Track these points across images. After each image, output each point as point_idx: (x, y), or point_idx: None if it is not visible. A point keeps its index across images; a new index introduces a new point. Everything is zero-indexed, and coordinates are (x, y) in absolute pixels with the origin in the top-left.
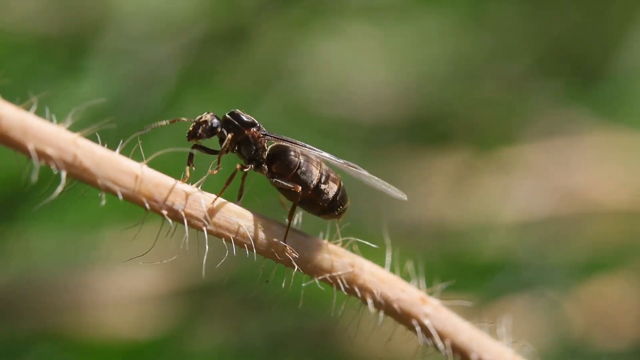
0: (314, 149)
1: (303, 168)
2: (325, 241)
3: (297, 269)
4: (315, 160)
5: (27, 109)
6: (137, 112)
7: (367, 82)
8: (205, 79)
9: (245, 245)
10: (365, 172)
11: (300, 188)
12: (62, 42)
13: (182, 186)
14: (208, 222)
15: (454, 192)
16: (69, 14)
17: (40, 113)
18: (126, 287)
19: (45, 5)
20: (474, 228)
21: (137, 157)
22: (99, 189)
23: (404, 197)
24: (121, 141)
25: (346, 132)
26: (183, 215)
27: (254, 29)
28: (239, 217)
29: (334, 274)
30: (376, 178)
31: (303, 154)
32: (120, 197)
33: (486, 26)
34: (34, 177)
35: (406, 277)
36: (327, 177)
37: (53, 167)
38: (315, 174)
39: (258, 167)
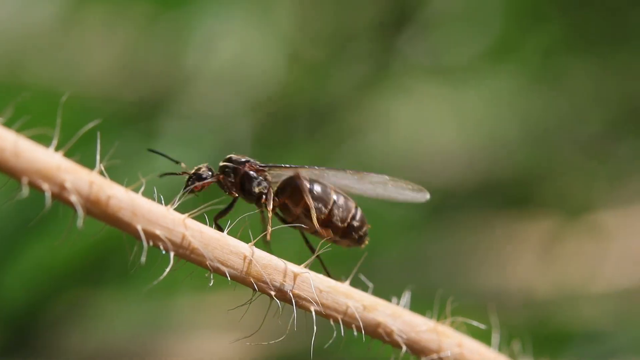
0: (317, 168)
1: (315, 193)
2: (432, 321)
3: (406, 349)
4: (326, 183)
5: (136, 189)
6: None
7: (436, 143)
8: (278, 142)
9: (353, 325)
10: (378, 176)
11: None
12: (139, 106)
13: (291, 267)
14: (317, 303)
15: (535, 259)
16: (145, 80)
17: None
18: (212, 354)
19: (120, 69)
20: (560, 296)
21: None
22: (207, 270)
23: (426, 195)
24: (229, 221)
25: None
26: (291, 296)
27: (325, 90)
28: (347, 298)
29: (442, 354)
30: (391, 178)
31: (312, 179)
32: (229, 277)
33: (557, 86)
34: (143, 259)
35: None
36: (342, 197)
37: (161, 247)
38: (328, 196)
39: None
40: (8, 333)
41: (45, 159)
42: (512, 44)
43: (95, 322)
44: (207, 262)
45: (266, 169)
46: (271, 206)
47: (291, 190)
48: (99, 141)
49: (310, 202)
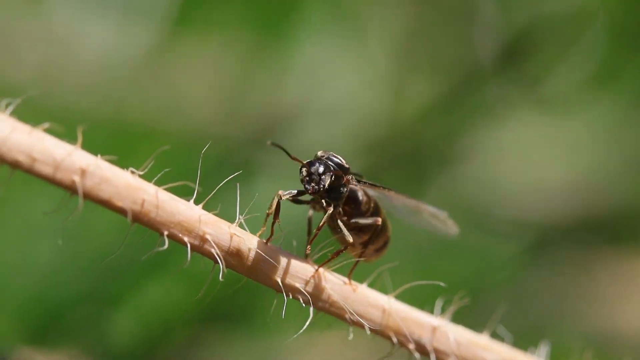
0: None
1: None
2: None
3: None
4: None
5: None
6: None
7: (537, 175)
8: (381, 173)
9: None
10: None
11: (380, 221)
12: (244, 144)
13: (429, 319)
14: (456, 356)
15: None
16: (250, 117)
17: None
18: None
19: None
20: None
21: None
22: (346, 323)
23: (456, 230)
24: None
25: (512, 230)
26: (431, 349)
27: (427, 121)
28: (486, 350)
29: None
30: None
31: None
32: (368, 332)
33: None
34: (283, 313)
35: None
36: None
37: (302, 300)
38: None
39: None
40: None
41: (187, 212)
42: (613, 72)
43: None
44: (347, 316)
45: (360, 183)
46: (336, 218)
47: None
48: (238, 193)
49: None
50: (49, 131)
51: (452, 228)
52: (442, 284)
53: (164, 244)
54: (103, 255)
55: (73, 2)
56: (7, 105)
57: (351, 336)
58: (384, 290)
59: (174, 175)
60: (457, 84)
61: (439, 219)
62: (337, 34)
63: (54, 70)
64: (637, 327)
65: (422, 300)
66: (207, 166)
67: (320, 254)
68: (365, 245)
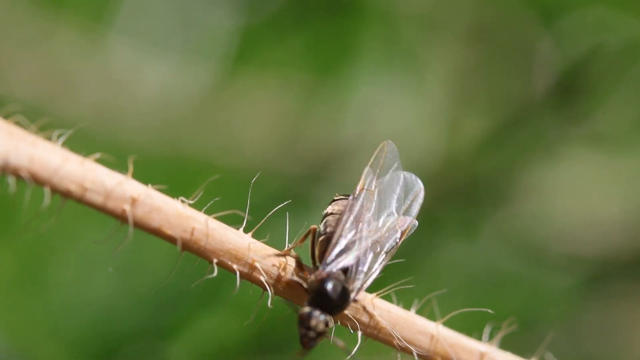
0: None
1: None
2: None
3: None
4: None
5: None
6: None
7: (593, 211)
8: (437, 210)
9: None
10: None
11: None
12: (299, 179)
13: (477, 346)
14: None
15: None
16: (306, 153)
17: None
18: None
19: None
20: None
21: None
22: (393, 349)
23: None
24: (416, 301)
25: (569, 265)
26: None
27: (483, 158)
28: None
29: None
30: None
31: None
32: (417, 358)
33: None
34: (331, 339)
35: None
36: None
37: (349, 327)
38: None
39: None
40: None
41: (236, 240)
42: None
43: None
44: (395, 342)
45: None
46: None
47: None
48: (287, 222)
49: None
50: (101, 162)
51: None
52: (490, 311)
53: (213, 271)
54: (159, 289)
55: (132, 42)
56: (59, 136)
57: None
58: (432, 317)
59: (226, 206)
60: (513, 120)
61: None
62: (393, 72)
63: (112, 110)
64: None
65: (472, 329)
66: (261, 199)
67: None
68: None
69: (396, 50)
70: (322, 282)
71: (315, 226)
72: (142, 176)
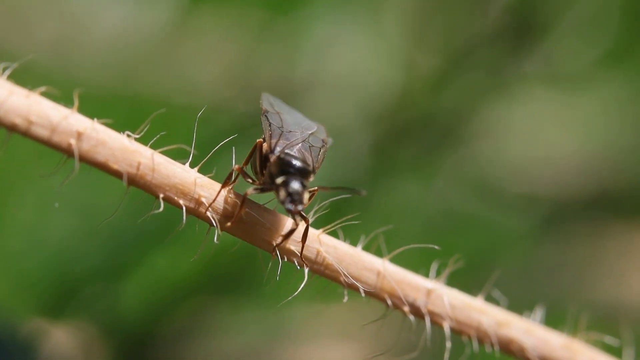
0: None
1: None
2: (566, 337)
3: None
4: None
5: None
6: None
7: (549, 152)
8: (392, 151)
9: (487, 342)
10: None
11: None
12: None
13: (424, 282)
14: (450, 319)
15: None
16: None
17: None
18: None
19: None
20: None
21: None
22: (341, 285)
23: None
24: (363, 236)
25: (525, 206)
26: (425, 312)
27: (439, 98)
28: (480, 314)
29: None
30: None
31: None
32: (363, 294)
33: None
34: (277, 276)
35: None
36: None
37: (296, 263)
38: None
39: None
40: (127, 344)
41: (182, 175)
42: (629, 49)
43: (214, 333)
44: (342, 279)
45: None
46: None
47: None
48: (234, 156)
49: None
50: (48, 96)
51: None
52: (436, 247)
53: (159, 207)
54: (114, 230)
55: None
56: (4, 69)
57: (346, 299)
58: (380, 255)
59: (175, 142)
60: (468, 58)
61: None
62: (349, 9)
63: (66, 46)
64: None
65: (423, 268)
66: (210, 135)
67: (316, 216)
68: None
69: None
70: (283, 154)
71: (260, 139)
72: (94, 113)
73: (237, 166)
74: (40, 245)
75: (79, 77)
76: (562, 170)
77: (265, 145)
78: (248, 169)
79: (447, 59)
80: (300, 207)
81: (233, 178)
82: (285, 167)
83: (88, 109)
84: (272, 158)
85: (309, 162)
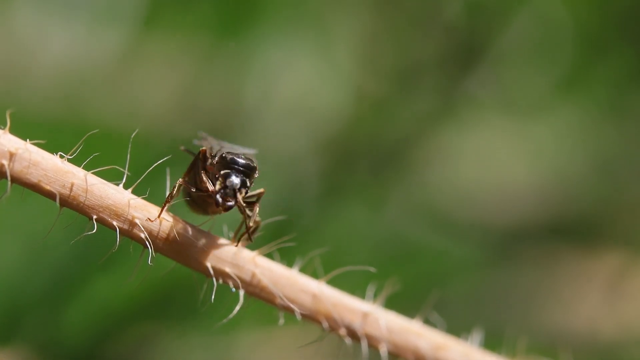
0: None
1: None
2: None
3: None
4: None
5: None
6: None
7: (503, 179)
8: (342, 178)
9: None
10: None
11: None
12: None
13: (360, 305)
14: (388, 342)
15: (603, 300)
16: (207, 114)
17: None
18: None
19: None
20: (627, 338)
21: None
22: (275, 308)
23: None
24: (298, 258)
25: (477, 234)
26: (362, 334)
27: (389, 125)
28: (418, 337)
29: None
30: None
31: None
32: (299, 317)
33: (628, 119)
34: (212, 298)
35: None
36: None
37: (231, 285)
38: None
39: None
40: None
41: (116, 196)
42: (581, 77)
43: (159, 359)
44: (277, 301)
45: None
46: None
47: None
48: (168, 178)
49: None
50: None
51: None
52: (372, 269)
53: (93, 228)
54: (55, 255)
55: (38, 3)
56: None
57: (282, 321)
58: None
59: (110, 164)
60: (419, 84)
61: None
62: (298, 35)
63: (15, 71)
64: (594, 323)
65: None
66: (149, 159)
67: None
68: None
69: (301, 13)
70: (227, 153)
71: (204, 148)
72: (36, 137)
73: (180, 180)
74: None
75: (24, 101)
76: (513, 197)
77: (207, 153)
78: (190, 181)
79: (395, 84)
80: (230, 203)
81: (175, 191)
82: (228, 164)
83: (30, 134)
84: (216, 159)
85: (253, 161)
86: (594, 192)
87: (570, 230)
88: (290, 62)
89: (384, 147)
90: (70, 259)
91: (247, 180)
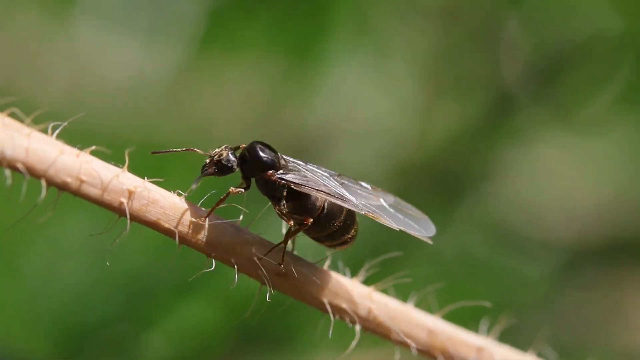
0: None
1: (324, 213)
2: None
3: None
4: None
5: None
6: None
7: (564, 196)
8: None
9: None
10: (387, 220)
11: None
12: None
13: (474, 339)
14: None
15: None
16: (278, 138)
17: None
18: None
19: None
20: None
21: None
22: (391, 343)
23: (434, 231)
24: (414, 292)
25: (539, 252)
26: None
27: (452, 142)
28: None
29: None
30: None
31: (323, 199)
32: (415, 351)
33: None
34: (330, 333)
35: None
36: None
37: (347, 320)
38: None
39: (273, 199)
40: None
41: (234, 234)
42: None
43: None
44: (393, 335)
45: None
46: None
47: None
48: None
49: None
50: (94, 153)
51: (429, 229)
52: (487, 304)
53: (211, 265)
54: (135, 276)
55: (98, 23)
56: (53, 129)
57: (398, 356)
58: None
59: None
60: (486, 105)
61: (417, 219)
62: (365, 55)
63: (81, 93)
64: None
65: (454, 320)
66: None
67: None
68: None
69: (368, 32)
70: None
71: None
72: (114, 160)
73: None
74: (56, 290)
75: (95, 123)
76: (578, 215)
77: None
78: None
79: (465, 106)
80: (202, 171)
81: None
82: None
83: (106, 156)
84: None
85: (276, 159)
86: None
87: (631, 250)
88: (358, 83)
89: (452, 167)
90: (149, 281)
91: (243, 165)
